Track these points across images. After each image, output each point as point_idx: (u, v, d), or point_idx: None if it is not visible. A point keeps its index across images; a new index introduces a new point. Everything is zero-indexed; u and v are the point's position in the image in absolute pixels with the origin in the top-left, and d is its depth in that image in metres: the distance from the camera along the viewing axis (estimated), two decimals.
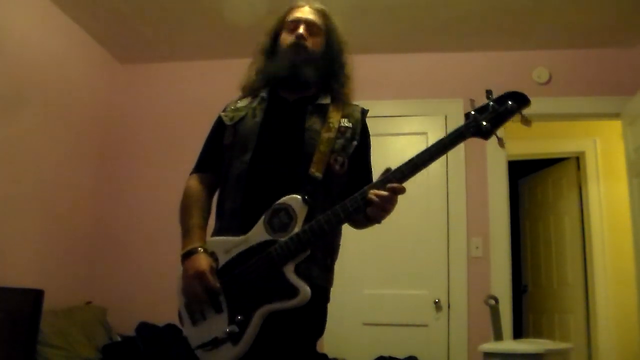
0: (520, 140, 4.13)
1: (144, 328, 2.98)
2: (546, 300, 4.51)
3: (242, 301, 1.35)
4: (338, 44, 1.60)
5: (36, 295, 2.39)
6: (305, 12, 1.59)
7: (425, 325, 3.15)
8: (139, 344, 2.84)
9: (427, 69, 3.58)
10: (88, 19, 3.28)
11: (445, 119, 3.44)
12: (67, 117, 3.28)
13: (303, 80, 1.53)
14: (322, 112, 1.52)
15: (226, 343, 1.33)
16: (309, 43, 1.54)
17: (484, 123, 1.25)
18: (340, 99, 1.58)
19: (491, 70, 3.50)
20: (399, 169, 1.31)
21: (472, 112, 1.29)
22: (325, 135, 1.46)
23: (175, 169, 3.57)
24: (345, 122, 1.52)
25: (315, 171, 1.41)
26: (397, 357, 2.91)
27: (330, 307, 3.49)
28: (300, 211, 1.35)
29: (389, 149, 3.45)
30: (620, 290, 3.78)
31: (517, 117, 1.27)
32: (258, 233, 1.37)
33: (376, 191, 1.29)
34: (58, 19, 3.18)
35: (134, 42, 3.56)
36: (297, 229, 1.33)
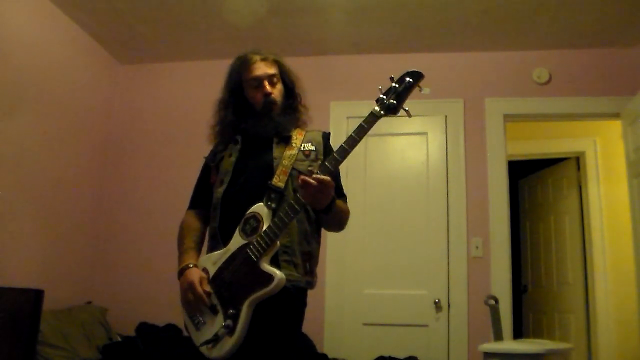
0: (520, 140, 4.13)
1: (144, 328, 2.98)
2: (546, 300, 4.50)
3: (232, 298, 1.55)
4: (291, 81, 1.85)
5: (36, 295, 2.38)
6: (262, 67, 1.78)
7: (425, 325, 3.15)
8: (139, 344, 2.84)
9: (427, 69, 3.55)
10: (88, 19, 3.28)
11: (445, 119, 3.43)
12: (67, 117, 3.28)
13: (283, 130, 1.76)
14: (287, 141, 1.76)
15: (225, 336, 1.51)
16: (275, 95, 1.77)
17: (391, 101, 1.54)
18: (304, 125, 1.84)
19: (491, 70, 3.50)
20: (333, 155, 1.51)
21: (380, 96, 1.55)
22: (288, 152, 1.71)
23: (176, 169, 3.59)
24: (308, 146, 1.77)
25: (278, 181, 1.63)
26: (397, 357, 2.91)
27: (330, 307, 3.51)
28: (266, 215, 1.56)
29: (389, 149, 3.45)
30: (620, 290, 3.78)
31: (417, 89, 1.59)
32: (236, 241, 1.60)
33: (305, 177, 1.45)
34: (58, 20, 3.18)
35: (134, 42, 3.56)
36: (264, 228, 1.54)
